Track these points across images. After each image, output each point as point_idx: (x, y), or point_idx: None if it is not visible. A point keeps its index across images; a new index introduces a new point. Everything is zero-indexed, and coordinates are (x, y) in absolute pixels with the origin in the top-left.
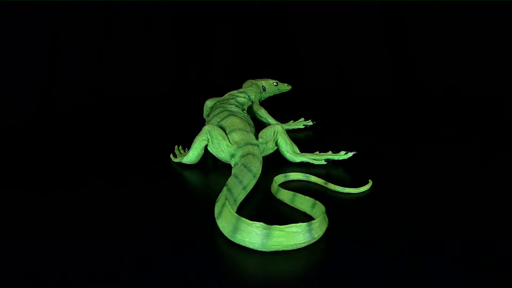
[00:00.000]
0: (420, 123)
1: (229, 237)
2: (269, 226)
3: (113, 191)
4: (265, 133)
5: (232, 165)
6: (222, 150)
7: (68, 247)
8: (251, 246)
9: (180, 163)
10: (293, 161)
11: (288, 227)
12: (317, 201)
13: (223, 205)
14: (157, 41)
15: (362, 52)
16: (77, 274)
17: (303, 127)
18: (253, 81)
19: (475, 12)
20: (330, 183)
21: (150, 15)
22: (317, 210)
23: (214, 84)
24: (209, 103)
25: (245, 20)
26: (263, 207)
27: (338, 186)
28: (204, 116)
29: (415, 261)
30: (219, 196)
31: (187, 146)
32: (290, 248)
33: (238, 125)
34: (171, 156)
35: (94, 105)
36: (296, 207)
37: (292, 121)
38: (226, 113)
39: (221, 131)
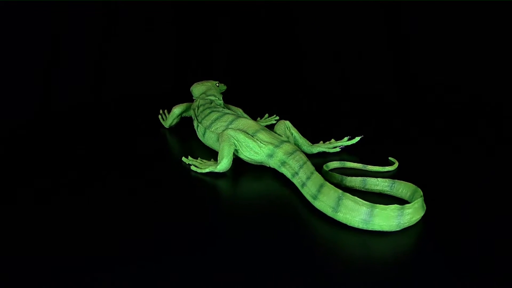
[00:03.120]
0: (419, 122)
1: (361, 226)
2: (401, 206)
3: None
4: (280, 130)
5: (274, 165)
6: (256, 152)
7: (80, 248)
8: (387, 229)
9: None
10: (311, 153)
11: (414, 203)
12: (396, 180)
13: (340, 197)
14: (157, 41)
15: (362, 52)
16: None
17: (275, 122)
18: (201, 83)
19: (475, 12)
20: (368, 165)
21: (150, 15)
22: (400, 188)
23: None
24: (177, 110)
25: (245, 20)
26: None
27: (377, 167)
28: (167, 124)
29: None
30: (318, 191)
31: (186, 148)
32: (414, 223)
33: (256, 125)
34: (194, 168)
35: (94, 105)
36: (369, 191)
37: (258, 118)
38: (230, 116)
39: (246, 134)
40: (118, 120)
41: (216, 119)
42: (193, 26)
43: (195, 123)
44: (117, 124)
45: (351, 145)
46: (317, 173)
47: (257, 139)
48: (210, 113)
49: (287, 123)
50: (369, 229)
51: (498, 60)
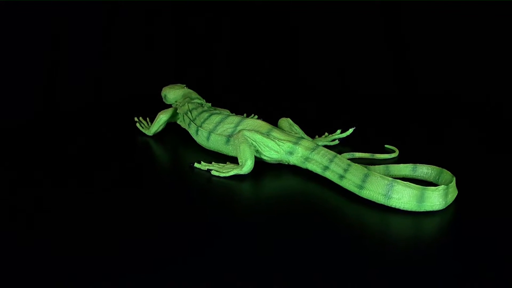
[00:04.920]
0: (419, 122)
1: (415, 209)
2: (446, 186)
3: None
4: (285, 127)
5: (295, 162)
6: (275, 151)
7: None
8: (436, 208)
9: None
10: None
11: (453, 183)
12: (417, 164)
13: (390, 184)
14: (157, 42)
15: (362, 52)
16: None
17: None
18: (173, 88)
19: (476, 12)
20: (376, 154)
21: (150, 16)
22: (423, 170)
23: (214, 84)
24: (164, 117)
25: (245, 20)
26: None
27: (384, 154)
28: (151, 132)
29: None
30: (363, 181)
31: (185, 151)
32: (452, 201)
33: (266, 124)
34: (215, 173)
35: (94, 105)
36: (393, 176)
37: None
38: (234, 118)
39: (261, 133)
40: (119, 120)
41: (220, 121)
42: (192, 26)
43: (192, 127)
44: (118, 125)
45: (346, 137)
46: (355, 164)
47: (273, 138)
48: (210, 116)
49: (289, 120)
50: (421, 210)
51: (497, 59)
